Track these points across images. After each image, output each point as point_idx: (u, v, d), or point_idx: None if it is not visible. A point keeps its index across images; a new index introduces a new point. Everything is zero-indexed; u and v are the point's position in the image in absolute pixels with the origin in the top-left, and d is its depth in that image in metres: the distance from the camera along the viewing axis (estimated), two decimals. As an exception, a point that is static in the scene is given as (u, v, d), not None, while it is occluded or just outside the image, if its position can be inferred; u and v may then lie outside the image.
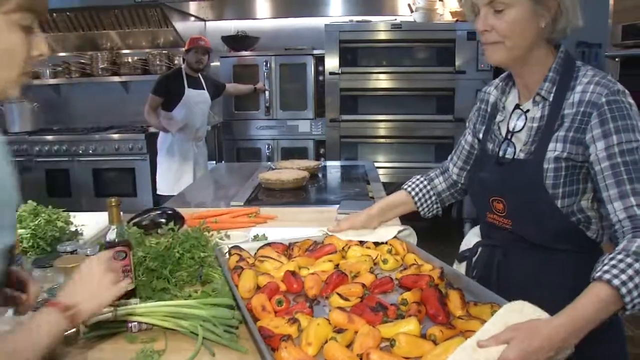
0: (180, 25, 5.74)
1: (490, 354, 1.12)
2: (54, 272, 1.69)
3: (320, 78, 5.40)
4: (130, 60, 6.13)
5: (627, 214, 1.27)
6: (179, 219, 2.22)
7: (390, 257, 1.72)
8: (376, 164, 4.46)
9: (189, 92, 4.70)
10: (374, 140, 5.21)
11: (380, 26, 5.04)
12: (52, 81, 6.13)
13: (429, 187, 1.89)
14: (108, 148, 5.58)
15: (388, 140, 5.20)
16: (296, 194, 3.07)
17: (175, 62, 6.06)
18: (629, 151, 1.29)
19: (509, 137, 1.55)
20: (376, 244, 1.85)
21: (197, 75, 4.79)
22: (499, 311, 1.24)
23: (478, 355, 1.13)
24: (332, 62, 5.04)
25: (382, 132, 5.16)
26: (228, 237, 2.07)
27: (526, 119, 1.51)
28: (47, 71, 6.10)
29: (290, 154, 5.44)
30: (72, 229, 2.10)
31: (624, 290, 1.14)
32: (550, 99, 1.44)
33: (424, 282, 1.50)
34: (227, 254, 1.79)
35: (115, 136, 5.62)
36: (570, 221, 1.44)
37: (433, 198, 1.89)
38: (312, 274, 1.59)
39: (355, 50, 5.10)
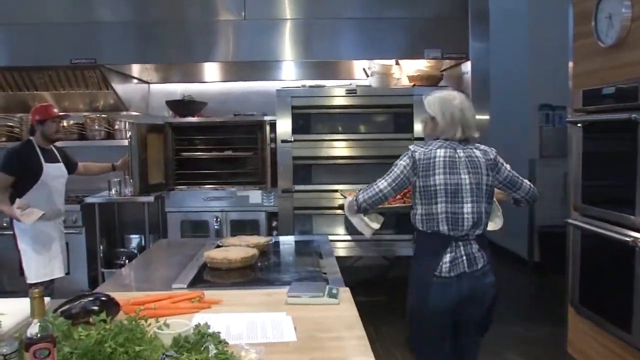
0: (121, 88, 5.69)
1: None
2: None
3: (272, 146, 5.40)
4: (65, 124, 5.87)
5: None
6: (113, 306, 2.15)
7: None
8: (333, 237, 4.44)
9: (48, 168, 4.34)
10: (330, 211, 5.22)
11: (335, 91, 5.15)
12: (-27, 144, 5.88)
13: None
14: (38, 221, 5.40)
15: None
16: (244, 274, 3.02)
17: (116, 127, 6.01)
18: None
19: None
20: None
21: (49, 147, 4.47)
22: None
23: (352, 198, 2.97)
24: (284, 129, 5.09)
25: (338, 203, 5.17)
26: (167, 326, 2.00)
27: None
28: (-32, 133, 5.87)
29: (240, 227, 5.37)
30: (-10, 319, 1.98)
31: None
32: None
33: None
34: None
35: (47, 207, 5.46)
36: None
37: None
38: None
39: (309, 117, 5.17)
